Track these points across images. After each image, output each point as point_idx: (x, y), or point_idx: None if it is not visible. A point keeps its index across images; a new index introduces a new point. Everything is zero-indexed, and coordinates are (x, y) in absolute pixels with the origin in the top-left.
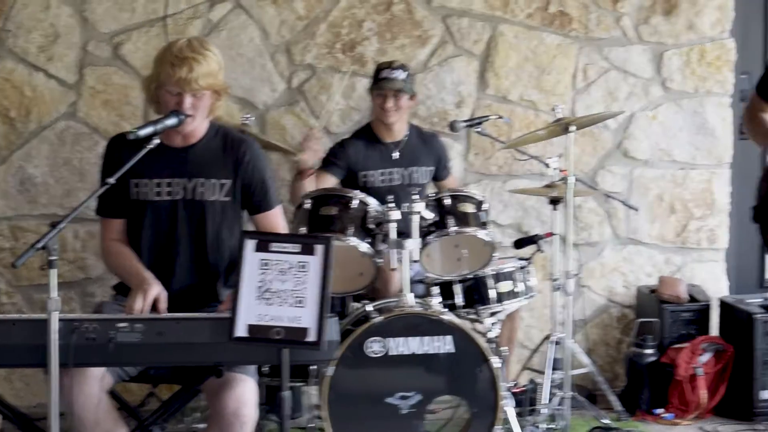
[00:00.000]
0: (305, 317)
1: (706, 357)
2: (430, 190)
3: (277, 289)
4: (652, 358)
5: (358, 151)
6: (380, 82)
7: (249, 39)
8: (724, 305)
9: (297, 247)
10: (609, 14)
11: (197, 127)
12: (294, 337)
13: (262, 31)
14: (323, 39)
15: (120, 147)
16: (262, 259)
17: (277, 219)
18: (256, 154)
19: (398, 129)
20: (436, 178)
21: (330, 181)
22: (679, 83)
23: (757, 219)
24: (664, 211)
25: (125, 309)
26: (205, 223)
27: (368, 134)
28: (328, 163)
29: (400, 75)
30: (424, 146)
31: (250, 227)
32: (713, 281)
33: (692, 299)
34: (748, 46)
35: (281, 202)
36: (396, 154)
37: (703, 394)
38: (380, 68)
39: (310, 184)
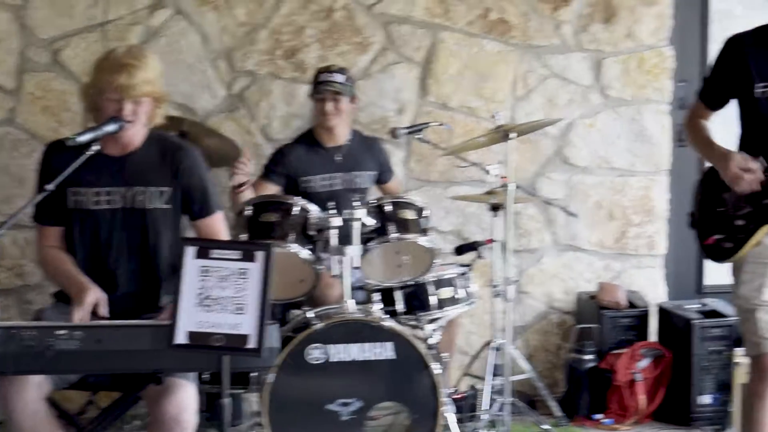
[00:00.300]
0: (245, 324)
1: (644, 362)
2: (374, 195)
3: (217, 296)
4: (592, 364)
5: (298, 157)
6: (319, 85)
7: (189, 45)
8: (663, 311)
9: (237, 254)
10: (548, 22)
11: (135, 135)
12: (234, 344)
13: (202, 38)
14: (264, 45)
15: (57, 153)
16: (202, 266)
17: (218, 224)
18: (195, 160)
19: (340, 133)
20: (380, 181)
21: (270, 190)
22: (618, 91)
23: (694, 225)
24: (603, 217)
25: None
26: (146, 231)
27: (309, 139)
28: (267, 172)
29: (339, 78)
30: (366, 150)
31: (191, 234)
32: (652, 287)
33: (631, 305)
34: (686, 53)
35: (222, 208)
36: (338, 158)
37: (641, 399)
38: (319, 72)
39: (250, 195)
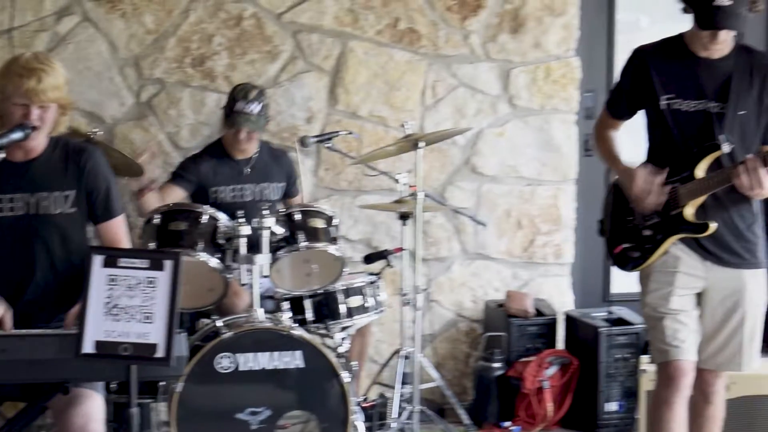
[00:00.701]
0: (154, 333)
1: (552, 370)
2: (282, 207)
3: (125, 305)
4: (500, 372)
5: (209, 167)
6: (234, 115)
7: (97, 52)
8: (570, 319)
9: (145, 263)
10: (457, 32)
11: (40, 141)
12: (142, 353)
13: (110, 45)
14: (173, 53)
15: None
16: (110, 275)
17: (119, 228)
18: (98, 162)
19: (250, 148)
20: (287, 195)
21: (177, 194)
22: (526, 100)
23: (603, 233)
24: (512, 226)
25: None
26: (52, 237)
27: (219, 150)
28: (176, 176)
29: (255, 108)
30: (275, 163)
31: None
32: (559, 295)
33: (539, 313)
34: (593, 64)
35: (124, 211)
36: (247, 170)
37: (549, 406)
38: (235, 98)
39: (155, 198)
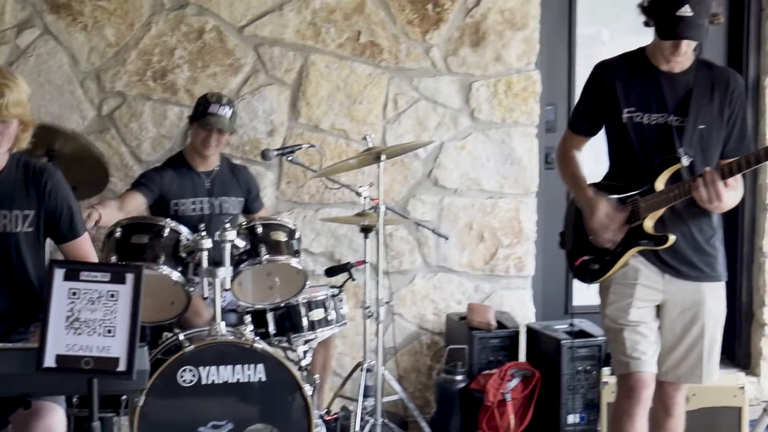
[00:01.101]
0: (115, 347)
1: (514, 382)
2: (244, 220)
3: (86, 319)
4: (462, 385)
5: (171, 180)
6: (207, 116)
7: (58, 65)
8: (531, 331)
9: (107, 276)
10: (418, 45)
11: (0, 158)
12: (104, 366)
13: (71, 58)
14: (134, 66)
15: None
16: (71, 289)
17: (85, 246)
18: (59, 183)
19: (211, 159)
20: (249, 210)
21: (137, 201)
22: (487, 113)
23: (564, 246)
24: (474, 239)
25: None
26: (11, 256)
27: (181, 163)
28: (138, 184)
29: (227, 113)
30: (234, 177)
31: (57, 256)
32: (521, 308)
33: (501, 326)
34: (554, 78)
35: (87, 230)
36: (207, 183)
37: (511, 419)
38: (208, 101)
39: (114, 207)
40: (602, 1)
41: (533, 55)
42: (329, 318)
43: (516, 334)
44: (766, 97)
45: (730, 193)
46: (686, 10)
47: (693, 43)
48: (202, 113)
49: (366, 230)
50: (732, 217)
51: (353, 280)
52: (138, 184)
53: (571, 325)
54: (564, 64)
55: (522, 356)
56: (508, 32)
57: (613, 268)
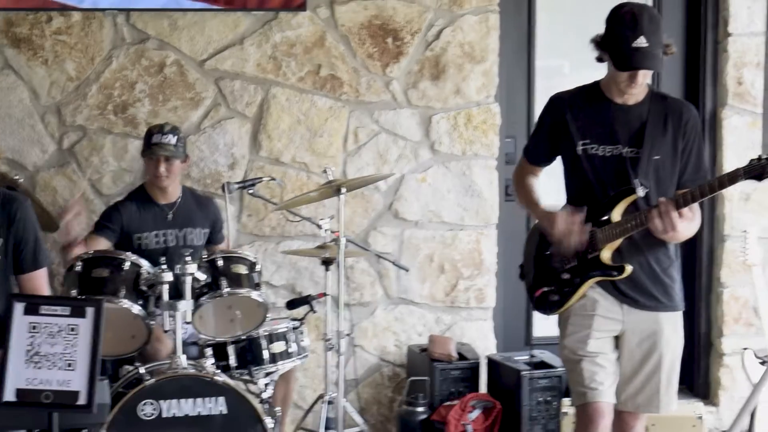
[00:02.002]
0: (76, 380)
1: (475, 414)
2: (204, 253)
3: (46, 353)
4: (423, 416)
5: (132, 214)
6: (152, 147)
7: (18, 100)
8: (492, 362)
9: (67, 310)
10: (379, 79)
11: None
12: (64, 400)
13: (32, 92)
14: (94, 100)
15: None
16: (31, 323)
17: (42, 279)
18: (28, 213)
19: (172, 191)
20: (212, 241)
21: (102, 245)
22: (447, 146)
23: (523, 277)
24: (434, 271)
25: None
26: None
27: (142, 196)
28: (100, 227)
29: (171, 140)
30: (199, 208)
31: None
32: (482, 339)
33: (462, 357)
34: (513, 110)
35: (49, 264)
36: (170, 216)
37: None
38: (151, 132)
39: (81, 250)
40: (563, 34)
41: (492, 88)
42: (290, 350)
43: (477, 365)
44: (723, 129)
45: (685, 224)
46: (642, 41)
47: (649, 74)
48: (148, 145)
49: (327, 263)
50: (690, 248)
51: (314, 312)
52: (100, 228)
53: (532, 356)
54: (523, 97)
55: (483, 387)
56: (468, 65)
57: (572, 299)
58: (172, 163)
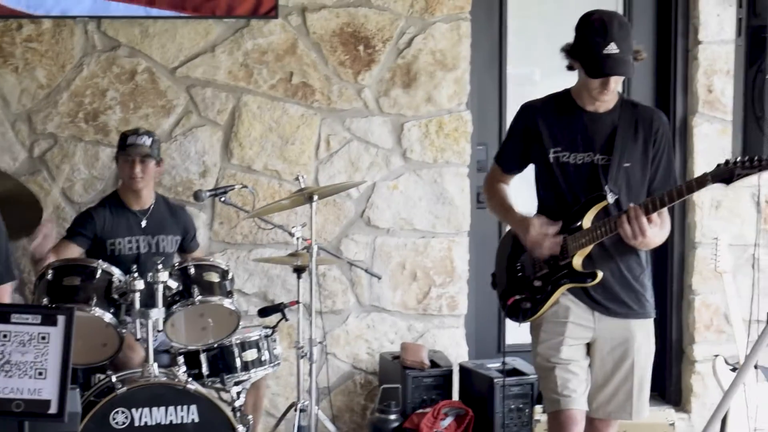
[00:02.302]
0: (46, 389)
1: (447, 421)
2: (177, 260)
3: (17, 361)
4: (396, 424)
5: (105, 220)
6: (127, 148)
7: None
8: (464, 370)
9: (38, 318)
10: (350, 86)
11: None
12: (35, 409)
13: (2, 100)
14: (65, 108)
15: None
16: (2, 331)
17: (6, 293)
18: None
19: (145, 196)
20: (185, 249)
21: (74, 251)
22: (419, 154)
23: (495, 285)
24: (406, 278)
25: None
26: None
27: (116, 202)
28: (72, 233)
29: (147, 141)
30: (171, 216)
31: None
32: (454, 347)
33: (434, 365)
34: (485, 117)
35: (17, 277)
36: (143, 222)
37: None
38: (126, 135)
39: (52, 258)
40: (534, 42)
41: (464, 96)
42: (263, 358)
43: (449, 372)
44: (694, 137)
45: (655, 230)
46: (612, 48)
47: (620, 80)
48: (122, 146)
49: (299, 270)
50: (661, 255)
51: (286, 320)
52: (72, 234)
53: (504, 363)
54: (495, 104)
55: (455, 395)
56: (439, 73)
57: (544, 306)
58: (147, 164)
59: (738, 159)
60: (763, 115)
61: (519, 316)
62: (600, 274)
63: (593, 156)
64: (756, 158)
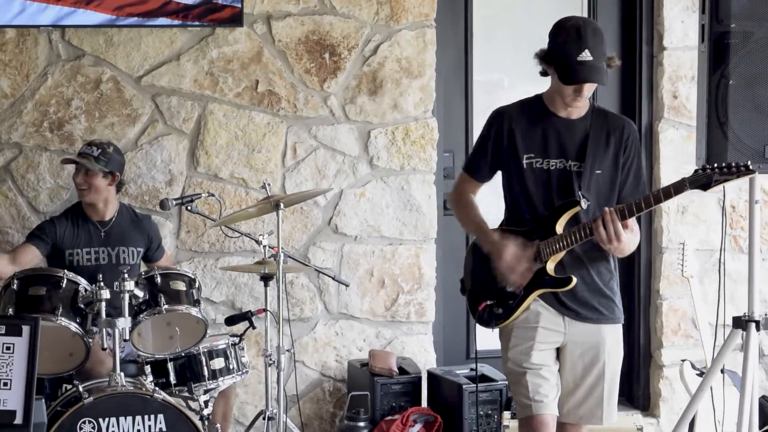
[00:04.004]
0: (12, 399)
1: (416, 428)
2: (142, 269)
3: None
4: (365, 431)
5: (66, 229)
6: (77, 158)
7: None
8: (433, 376)
9: (2, 329)
10: (316, 94)
11: None
12: (0, 420)
13: None
14: (30, 117)
15: None
16: None
17: None
18: None
19: (104, 208)
20: (150, 259)
21: (32, 254)
22: (386, 161)
23: (465, 291)
24: (374, 285)
25: None
26: None
27: (78, 213)
28: (33, 237)
29: (94, 152)
30: (134, 227)
31: None
32: (423, 353)
33: (402, 372)
34: (451, 124)
35: None
36: (104, 233)
37: None
38: (82, 146)
39: (5, 260)
40: (503, 49)
41: (430, 103)
42: (230, 367)
43: (418, 379)
44: (660, 142)
45: (629, 235)
46: (586, 55)
47: (594, 87)
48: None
49: (266, 278)
50: (628, 260)
51: (254, 328)
52: (32, 237)
53: (473, 369)
54: (461, 111)
55: (424, 401)
56: (405, 80)
57: (517, 312)
58: (92, 176)
59: (716, 165)
60: (726, 120)
61: (491, 321)
62: (574, 280)
63: (566, 162)
64: (734, 165)
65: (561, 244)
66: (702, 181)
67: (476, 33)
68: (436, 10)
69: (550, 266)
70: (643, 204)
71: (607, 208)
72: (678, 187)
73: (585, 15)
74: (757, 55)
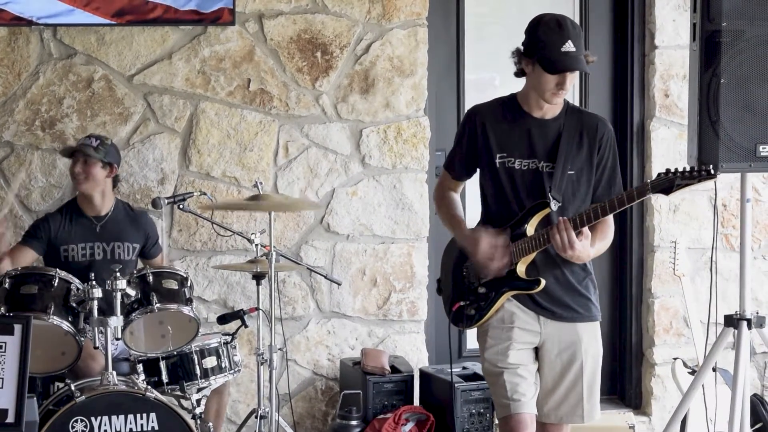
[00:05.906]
0: (3, 398)
1: (408, 426)
2: (139, 267)
3: None
4: (357, 430)
5: (60, 225)
6: (75, 149)
7: None
8: (425, 375)
9: None
10: (308, 93)
11: None
12: None
13: None
14: (22, 116)
15: None
16: None
17: None
18: None
19: (100, 203)
20: (147, 256)
21: (28, 255)
22: (378, 159)
23: (441, 291)
24: (367, 284)
25: None
26: None
27: (73, 208)
28: (28, 237)
29: (93, 142)
30: (131, 223)
31: None
32: (415, 352)
33: (395, 370)
34: (443, 123)
35: None
36: (99, 228)
37: None
38: (79, 140)
39: (6, 263)
40: (495, 47)
41: (422, 102)
42: (222, 365)
43: (410, 378)
44: (652, 141)
45: (585, 243)
46: (569, 46)
47: (574, 80)
48: (71, 151)
49: (258, 277)
50: (620, 259)
51: (246, 327)
52: (27, 237)
53: (464, 368)
54: (453, 110)
55: (416, 400)
56: (397, 79)
57: (489, 313)
58: (91, 164)
59: (677, 169)
60: (718, 119)
61: (464, 322)
62: (543, 282)
63: (538, 162)
64: (695, 169)
65: (530, 245)
66: (664, 185)
67: (468, 32)
68: (428, 8)
69: (521, 268)
70: (600, 211)
71: (561, 218)
72: (640, 192)
73: (577, 14)
74: (748, 53)
